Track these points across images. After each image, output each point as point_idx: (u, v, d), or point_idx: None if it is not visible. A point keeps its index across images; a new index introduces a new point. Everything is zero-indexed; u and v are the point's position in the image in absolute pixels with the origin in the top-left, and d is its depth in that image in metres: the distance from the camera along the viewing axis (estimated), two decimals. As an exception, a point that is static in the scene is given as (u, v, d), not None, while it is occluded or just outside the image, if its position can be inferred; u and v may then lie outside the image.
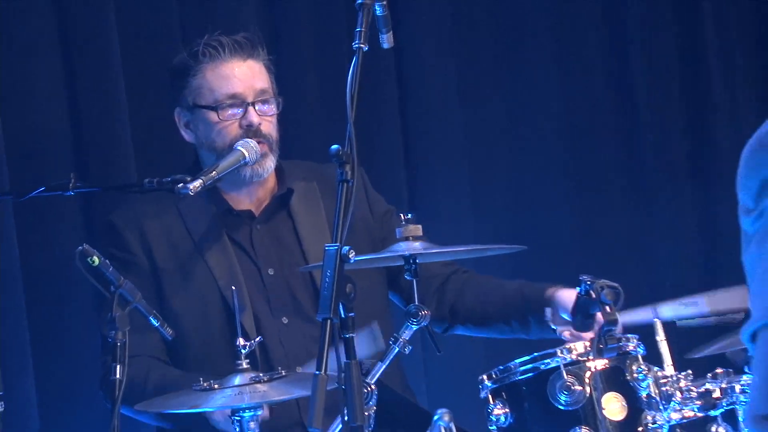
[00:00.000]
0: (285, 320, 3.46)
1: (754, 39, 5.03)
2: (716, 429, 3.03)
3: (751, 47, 5.02)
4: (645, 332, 3.18)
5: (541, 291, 3.41)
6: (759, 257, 1.60)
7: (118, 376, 2.91)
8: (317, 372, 2.43)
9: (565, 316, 3.34)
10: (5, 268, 3.79)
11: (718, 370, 3.04)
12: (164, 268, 3.46)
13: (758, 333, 1.58)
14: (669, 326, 3.20)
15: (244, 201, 3.51)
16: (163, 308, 3.39)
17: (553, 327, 3.43)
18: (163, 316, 3.23)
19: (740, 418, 3.16)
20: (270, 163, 3.43)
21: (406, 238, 3.03)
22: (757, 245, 1.60)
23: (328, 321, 2.43)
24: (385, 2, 2.73)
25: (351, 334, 2.53)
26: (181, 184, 3.16)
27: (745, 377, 3.15)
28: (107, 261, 3.01)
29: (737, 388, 3.07)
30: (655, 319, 3.16)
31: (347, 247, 2.47)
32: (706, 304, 3.38)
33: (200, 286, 3.46)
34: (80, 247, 2.96)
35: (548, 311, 3.41)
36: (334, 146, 2.54)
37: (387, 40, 2.75)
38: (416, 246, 3.01)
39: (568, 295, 3.35)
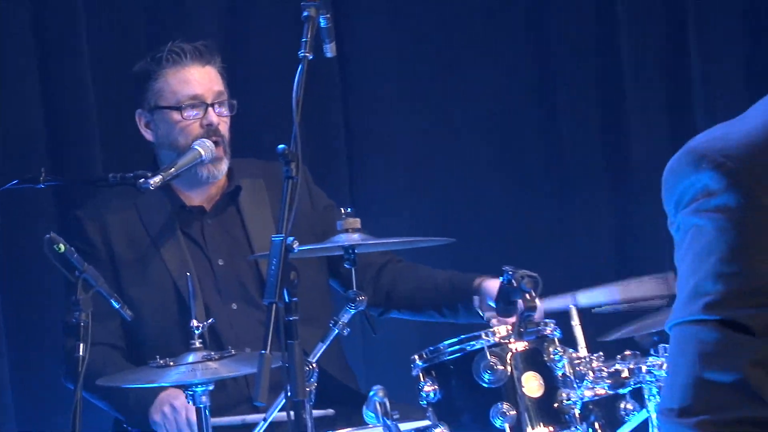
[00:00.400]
0: (234, 306, 3.53)
1: (664, 41, 4.98)
2: (624, 405, 3.10)
3: (661, 49, 4.98)
4: (561, 317, 3.22)
5: (470, 281, 3.48)
6: (678, 263, 1.63)
7: (81, 353, 2.99)
8: (263, 351, 2.51)
9: (492, 304, 3.38)
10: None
11: (627, 353, 3.11)
12: (122, 259, 3.54)
13: (671, 330, 1.62)
14: (584, 312, 3.25)
15: (196, 198, 3.58)
16: (122, 296, 3.35)
17: (480, 313, 3.45)
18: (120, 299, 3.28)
19: (646, 396, 3.21)
20: (224, 165, 3.52)
21: (346, 230, 3.11)
22: (676, 252, 1.64)
23: (274, 305, 2.51)
24: (329, 15, 2.81)
25: (294, 317, 2.60)
26: (143, 179, 3.27)
27: (651, 359, 3.20)
28: (72, 248, 3.07)
29: (644, 368, 3.13)
30: (572, 306, 3.24)
31: (291, 238, 2.57)
32: (619, 293, 3.44)
33: (155, 276, 3.54)
34: (48, 236, 3.05)
35: (476, 299, 3.46)
36: (281, 146, 2.65)
37: (330, 50, 2.86)
38: (355, 237, 3.10)
39: (493, 285, 3.39)
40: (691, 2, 4.92)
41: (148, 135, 3.55)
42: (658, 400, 3.19)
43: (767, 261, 1.53)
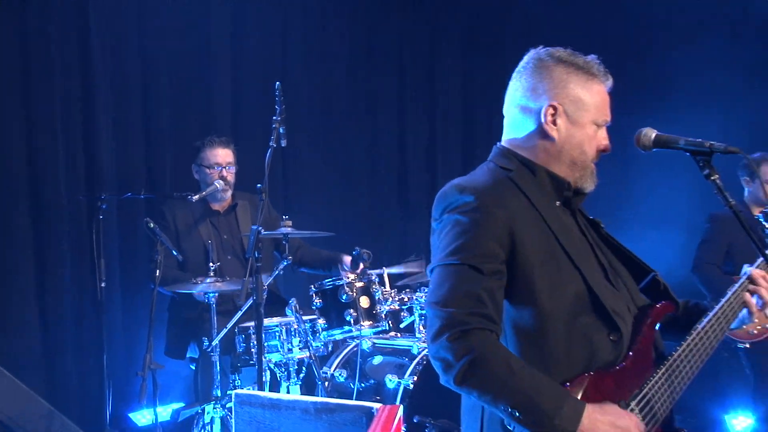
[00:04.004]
0: (229, 257, 4.88)
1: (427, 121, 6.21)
2: (403, 314, 4.37)
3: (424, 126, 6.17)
4: (380, 274, 4.56)
5: (338, 255, 4.81)
6: (437, 240, 2.07)
7: (158, 274, 4.31)
8: (244, 279, 3.70)
9: (346, 268, 4.70)
10: (108, 242, 4.87)
11: (407, 289, 4.44)
12: (179, 230, 4.85)
13: (431, 271, 2.05)
14: (390, 274, 4.52)
15: (216, 207, 4.95)
16: (177, 247, 4.73)
17: (342, 271, 4.66)
18: (177, 249, 4.66)
19: (414, 309, 4.34)
20: (229, 194, 4.92)
21: (285, 226, 4.34)
22: (436, 236, 2.08)
23: (251, 257, 3.65)
24: (284, 127, 3.82)
25: (259, 264, 3.66)
26: (190, 197, 4.76)
27: (417, 293, 4.36)
28: (157, 226, 4.41)
29: (414, 298, 4.41)
30: (384, 269, 4.61)
31: (261, 227, 3.71)
32: (404, 267, 4.70)
33: (194, 239, 4.84)
34: (145, 219, 4.46)
35: (344, 261, 4.73)
36: (259, 185, 3.70)
37: (284, 143, 3.92)
38: (289, 230, 4.33)
39: (347, 258, 4.73)
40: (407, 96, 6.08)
41: (196, 176, 5.03)
42: (420, 312, 4.37)
43: (491, 241, 2.03)
